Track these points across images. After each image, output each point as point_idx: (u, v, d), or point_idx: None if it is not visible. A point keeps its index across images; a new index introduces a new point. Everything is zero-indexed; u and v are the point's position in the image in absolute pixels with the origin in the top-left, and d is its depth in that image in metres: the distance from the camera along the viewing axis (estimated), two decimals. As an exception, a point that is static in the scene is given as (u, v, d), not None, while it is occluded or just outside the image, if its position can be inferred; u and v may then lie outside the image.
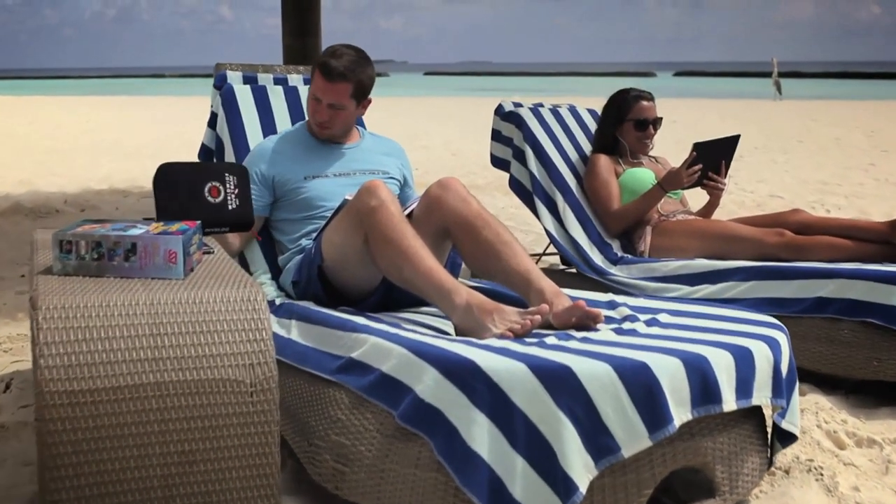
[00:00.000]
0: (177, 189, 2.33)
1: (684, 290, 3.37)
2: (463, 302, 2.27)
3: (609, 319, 2.30)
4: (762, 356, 1.91)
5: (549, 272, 4.14)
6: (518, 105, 4.32)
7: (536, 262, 4.40)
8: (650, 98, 4.01)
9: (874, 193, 7.83)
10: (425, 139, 12.09)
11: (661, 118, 4.02)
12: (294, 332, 2.52)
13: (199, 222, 2.19)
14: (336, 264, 2.70)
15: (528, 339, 2.06)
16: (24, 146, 11.69)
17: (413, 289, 2.42)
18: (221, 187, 2.40)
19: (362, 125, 3.52)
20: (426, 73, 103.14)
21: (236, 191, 2.42)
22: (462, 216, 2.57)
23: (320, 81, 2.93)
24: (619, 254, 3.82)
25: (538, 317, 2.16)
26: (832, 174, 9.24)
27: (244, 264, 3.13)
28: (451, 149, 11.07)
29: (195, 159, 3.38)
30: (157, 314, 1.84)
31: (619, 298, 2.55)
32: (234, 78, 3.47)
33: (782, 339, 2.03)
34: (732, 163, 3.92)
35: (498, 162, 4.37)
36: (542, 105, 4.41)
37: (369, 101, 3.08)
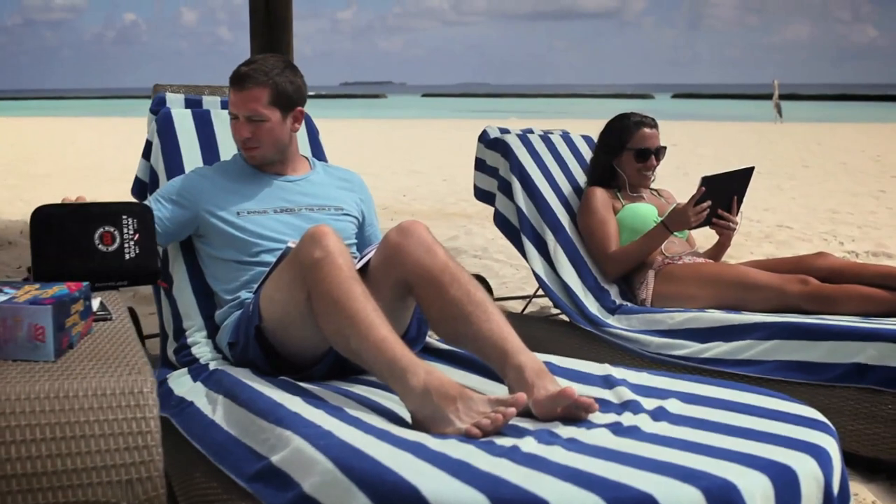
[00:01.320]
0: (58, 238, 1.87)
1: (693, 347, 2.90)
2: (420, 385, 1.80)
3: (605, 406, 1.83)
4: (809, 477, 1.43)
5: (539, 319, 3.67)
6: (505, 131, 3.86)
7: (526, 305, 4.01)
8: (653, 125, 3.56)
9: (889, 223, 7.38)
10: (418, 163, 11.66)
11: (665, 147, 3.57)
12: (219, 412, 2.04)
13: (85, 284, 1.73)
14: (277, 325, 2.25)
15: (498, 441, 1.59)
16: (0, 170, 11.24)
17: (361, 363, 1.96)
18: (116, 232, 1.94)
19: (323, 157, 3.07)
20: (424, 95, 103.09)
21: (136, 236, 1.97)
22: (426, 269, 2.11)
23: (232, 94, 2.50)
24: (618, 301, 3.34)
25: (512, 410, 1.69)
26: (841, 201, 8.79)
27: (177, 318, 2.67)
28: (443, 174, 10.61)
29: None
30: (7, 414, 1.39)
31: (618, 372, 2.07)
32: (174, 101, 3.01)
33: (833, 447, 1.55)
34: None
35: (482, 195, 3.91)
36: (531, 131, 3.95)
37: (301, 113, 2.61)
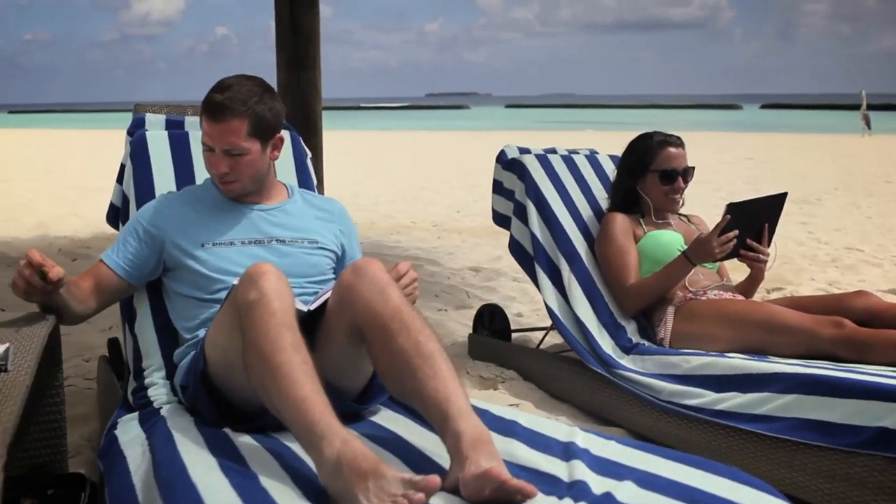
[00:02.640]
0: None
1: (707, 397, 2.59)
2: (333, 456, 1.57)
3: (550, 486, 1.56)
4: None
5: (553, 356, 3.39)
6: (525, 151, 3.60)
7: (542, 339, 3.72)
8: (679, 143, 3.25)
9: (973, 247, 6.82)
10: (477, 176, 11.41)
11: (693, 168, 3.25)
12: (139, 473, 1.84)
13: None
14: (221, 370, 2.05)
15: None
16: (60, 183, 11.40)
17: (283, 423, 1.73)
18: None
19: (310, 183, 2.86)
20: (507, 106, 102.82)
21: None
22: (376, 314, 1.88)
23: (206, 124, 2.25)
24: (634, 340, 3.05)
25: (420, 497, 1.44)
26: (923, 222, 8.22)
27: (137, 356, 2.48)
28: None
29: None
30: None
31: (584, 439, 1.79)
32: (154, 122, 2.84)
33: None
34: (780, 224, 3.12)
35: (500, 219, 3.65)
36: (554, 150, 3.68)
37: (281, 140, 2.39)
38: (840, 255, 6.42)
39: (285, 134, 2.87)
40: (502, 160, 3.58)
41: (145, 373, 2.44)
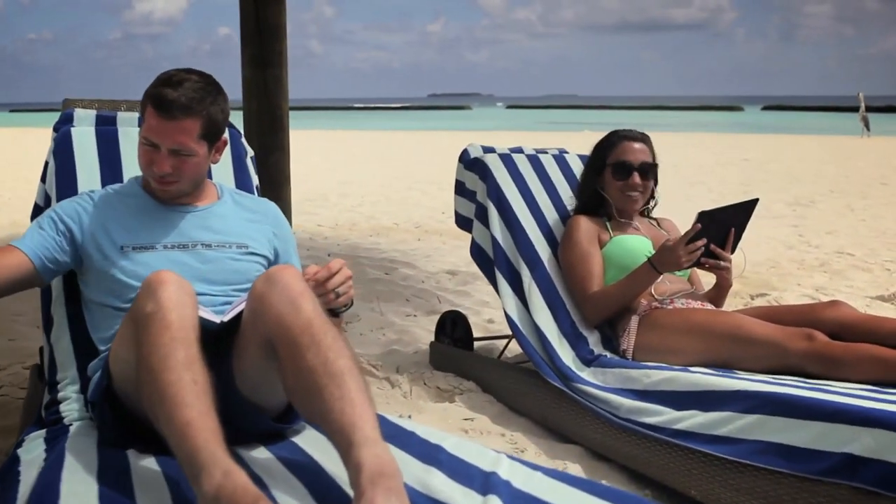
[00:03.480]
0: None
1: (666, 415, 2.41)
2: (212, 490, 1.40)
3: None
4: None
5: (514, 367, 3.21)
6: (489, 150, 3.42)
7: (503, 350, 3.51)
8: (640, 138, 3.06)
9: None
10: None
11: (655, 164, 3.05)
12: (22, 501, 1.67)
13: None
14: (125, 386, 1.89)
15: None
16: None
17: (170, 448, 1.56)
18: None
19: (249, 184, 2.69)
20: (508, 107, 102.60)
21: None
22: (286, 327, 1.70)
23: (156, 120, 2.07)
24: (596, 351, 2.86)
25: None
26: (918, 224, 8.03)
27: (53, 369, 2.31)
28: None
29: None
30: None
31: (508, 469, 1.61)
32: (83, 118, 2.66)
33: None
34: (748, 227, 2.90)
35: (462, 221, 3.48)
36: (521, 150, 3.50)
37: (225, 143, 2.24)
38: (829, 259, 6.23)
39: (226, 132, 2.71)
40: (464, 160, 3.40)
41: (59, 386, 2.27)
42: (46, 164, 2.58)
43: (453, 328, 3.66)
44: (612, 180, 3.02)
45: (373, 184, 11.56)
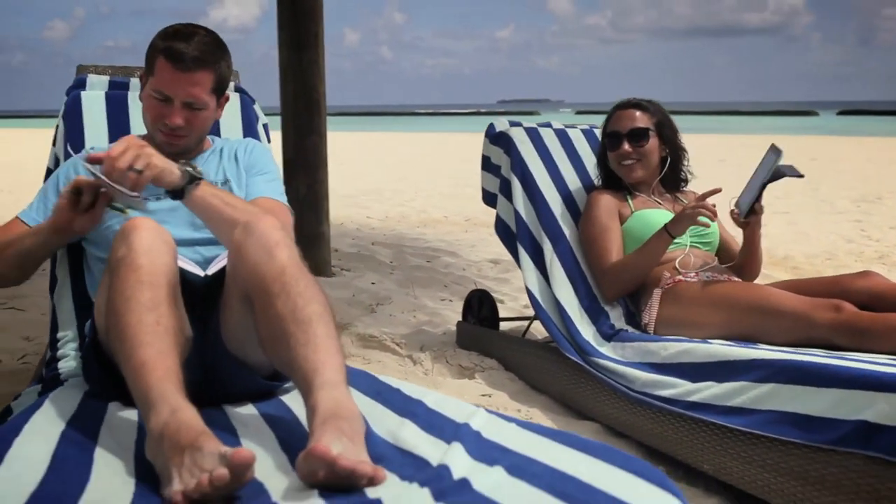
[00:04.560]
0: None
1: (682, 387, 2.29)
2: (158, 427, 1.34)
3: (416, 468, 1.31)
4: None
5: (537, 344, 3.11)
6: (515, 124, 3.33)
7: (527, 329, 3.43)
8: (631, 105, 2.96)
9: None
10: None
11: (647, 129, 2.91)
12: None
13: None
14: (106, 335, 1.83)
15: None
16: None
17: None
18: None
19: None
20: (577, 112, 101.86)
21: None
22: (260, 276, 1.65)
23: (169, 72, 2.05)
24: (617, 326, 2.75)
25: (222, 472, 1.20)
26: None
27: (54, 326, 2.30)
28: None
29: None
30: None
31: (481, 420, 1.52)
32: (96, 84, 2.66)
33: None
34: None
35: (488, 197, 3.39)
36: (549, 125, 3.41)
37: (227, 99, 2.24)
38: (890, 252, 5.97)
39: (235, 97, 2.70)
40: (490, 134, 3.32)
41: (58, 344, 2.26)
42: (57, 127, 2.58)
43: (479, 307, 3.58)
44: (608, 151, 2.95)
45: (428, 181, 11.53)
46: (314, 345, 1.53)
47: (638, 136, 2.89)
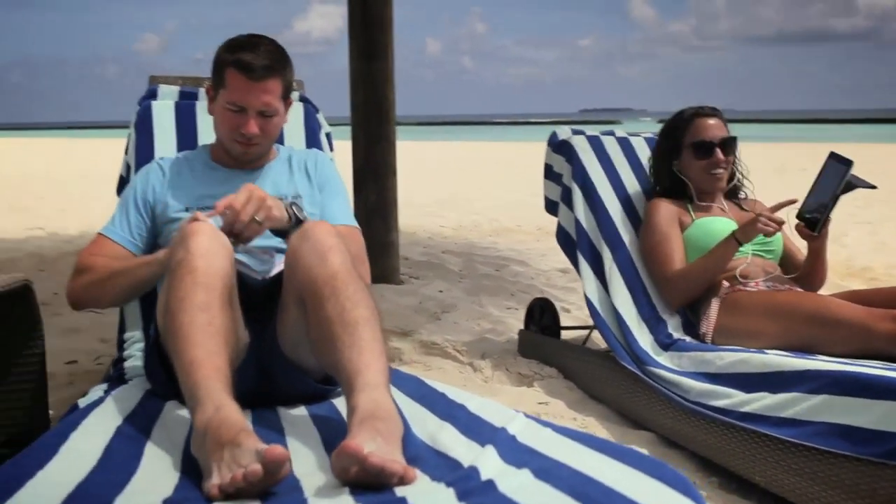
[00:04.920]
0: None
1: (735, 397, 2.27)
2: (202, 424, 1.41)
3: (449, 469, 1.34)
4: None
5: (597, 353, 3.10)
6: (578, 132, 3.34)
7: (587, 337, 3.40)
8: (713, 114, 2.93)
9: None
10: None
11: (735, 137, 2.91)
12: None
13: None
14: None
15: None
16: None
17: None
18: None
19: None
20: (659, 121, 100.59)
21: None
22: (312, 280, 1.71)
23: (242, 82, 2.14)
24: (676, 336, 2.74)
25: (256, 468, 1.24)
26: None
27: (122, 327, 2.41)
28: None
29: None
30: None
31: (518, 424, 1.55)
32: (167, 94, 2.77)
33: None
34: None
35: (550, 206, 3.41)
36: (612, 133, 3.41)
37: (290, 103, 2.32)
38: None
39: (299, 106, 2.77)
40: (552, 142, 3.33)
41: (125, 344, 2.36)
42: (129, 136, 2.69)
43: (541, 316, 3.59)
44: (694, 160, 2.90)
45: (503, 189, 11.55)
46: (359, 347, 1.57)
47: (730, 145, 2.90)
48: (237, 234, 1.84)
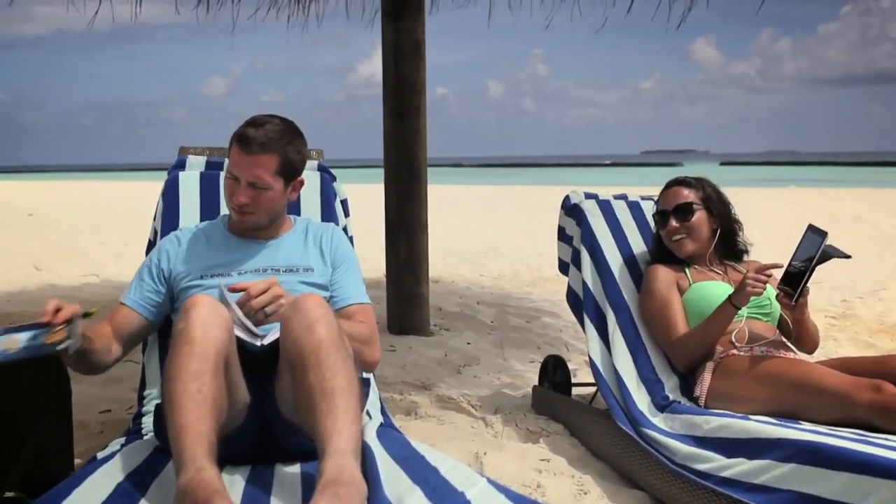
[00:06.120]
0: None
1: (716, 462, 2.36)
2: (184, 484, 1.57)
3: None
4: None
5: (597, 412, 3.20)
6: (591, 196, 3.48)
7: (594, 396, 3.44)
8: (678, 182, 3.10)
9: None
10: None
11: (690, 203, 3.03)
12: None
13: None
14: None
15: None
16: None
17: None
18: None
19: (335, 222, 2.89)
20: (722, 163, 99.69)
21: None
22: (299, 349, 1.88)
23: (237, 155, 2.35)
24: (672, 398, 2.83)
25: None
26: None
27: (143, 384, 2.59)
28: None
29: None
30: None
31: (478, 492, 1.68)
32: (195, 164, 2.98)
33: None
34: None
35: (563, 266, 3.54)
36: (624, 196, 3.53)
37: (301, 183, 2.48)
38: None
39: (315, 175, 2.94)
40: (565, 206, 3.47)
41: (144, 400, 2.53)
42: (157, 203, 2.90)
43: (554, 372, 3.69)
44: (659, 230, 3.10)
45: (549, 236, 11.61)
46: (334, 415, 1.73)
47: (683, 211, 3.01)
48: (246, 315, 2.01)
